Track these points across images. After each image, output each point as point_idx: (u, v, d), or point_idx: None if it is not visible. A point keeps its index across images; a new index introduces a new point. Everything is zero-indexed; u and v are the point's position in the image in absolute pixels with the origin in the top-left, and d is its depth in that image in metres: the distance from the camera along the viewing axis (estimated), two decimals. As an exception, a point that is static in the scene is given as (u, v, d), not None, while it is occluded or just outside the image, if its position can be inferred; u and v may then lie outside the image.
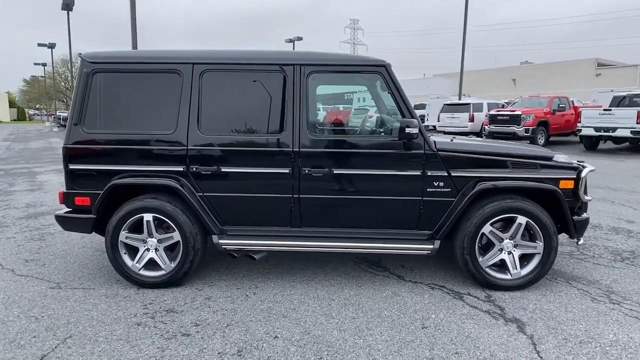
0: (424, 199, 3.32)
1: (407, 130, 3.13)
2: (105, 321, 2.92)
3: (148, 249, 3.44)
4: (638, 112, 11.97)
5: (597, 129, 12.89)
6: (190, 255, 3.37)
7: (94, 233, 3.52)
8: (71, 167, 3.40)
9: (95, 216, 3.41)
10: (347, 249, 3.38)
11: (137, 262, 3.43)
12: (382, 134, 3.57)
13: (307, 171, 3.31)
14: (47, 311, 3.07)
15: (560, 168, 3.36)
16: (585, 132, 13.32)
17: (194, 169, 3.35)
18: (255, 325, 2.86)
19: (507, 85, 39.60)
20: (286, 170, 3.32)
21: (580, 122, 13.53)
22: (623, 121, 12.22)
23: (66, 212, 3.50)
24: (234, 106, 3.38)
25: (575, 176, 3.33)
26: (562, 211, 3.27)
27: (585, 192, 3.43)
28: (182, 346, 2.61)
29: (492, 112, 16.03)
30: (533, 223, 3.25)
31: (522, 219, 3.25)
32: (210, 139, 3.33)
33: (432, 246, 3.31)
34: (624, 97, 13.83)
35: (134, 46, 10.26)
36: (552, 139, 16.05)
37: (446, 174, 3.29)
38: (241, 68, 3.32)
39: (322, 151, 3.31)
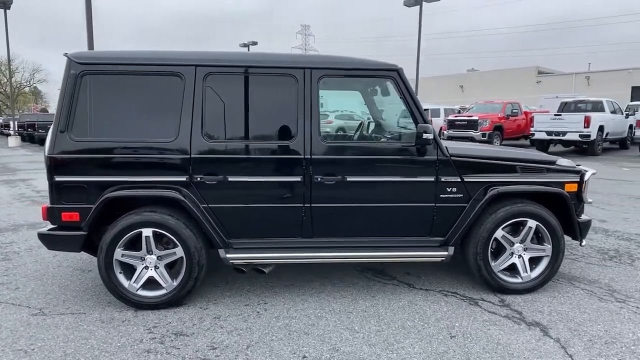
0: (437, 205, 3.29)
1: (425, 136, 3.09)
2: (108, 350, 2.63)
3: (146, 267, 3.15)
4: (585, 117, 12.81)
5: (548, 133, 13.65)
6: (194, 272, 3.13)
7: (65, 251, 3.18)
8: (57, 179, 3.06)
9: (86, 233, 3.09)
10: (361, 258, 3.28)
11: (134, 282, 3.14)
12: (390, 139, 3.51)
13: (319, 179, 3.17)
14: (37, 342, 2.71)
15: (564, 172, 3.46)
16: (538, 135, 14.07)
17: (198, 179, 3.12)
18: (278, 345, 2.68)
19: (455, 91, 41.27)
20: (297, 179, 3.17)
21: (532, 127, 14.29)
22: (572, 125, 13.03)
23: (50, 229, 3.14)
24: (241, 112, 3.19)
25: (579, 179, 3.43)
26: (569, 214, 3.35)
27: (585, 195, 3.54)
28: (205, 373, 2.39)
29: (450, 117, 16.59)
30: (542, 226, 3.31)
31: (532, 223, 3.30)
32: (216, 146, 3.12)
33: (446, 253, 3.28)
34: (570, 102, 14.78)
35: (90, 47, 9.64)
36: (505, 142, 16.84)
37: (459, 180, 3.28)
38: (248, 71, 3.14)
39: (335, 158, 3.19)
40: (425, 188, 3.26)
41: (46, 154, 3.07)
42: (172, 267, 3.21)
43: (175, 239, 3.09)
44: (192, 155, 3.10)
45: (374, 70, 3.24)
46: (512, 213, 3.27)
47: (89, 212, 3.07)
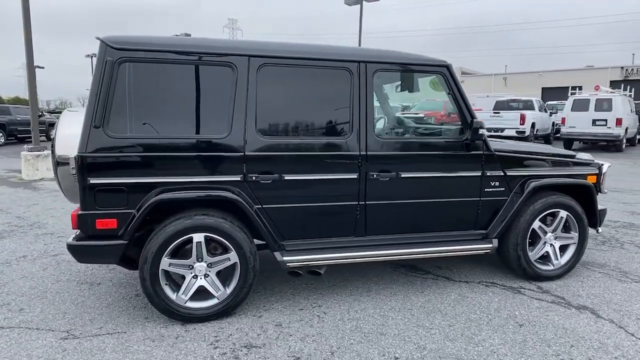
0: (481, 199, 3.38)
1: (481, 131, 3.16)
2: (181, 371, 2.36)
3: (195, 276, 2.88)
4: (521, 114, 13.97)
5: (488, 130, 14.69)
6: (250, 278, 2.91)
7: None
8: (92, 181, 2.67)
9: (126, 242, 2.74)
10: (414, 255, 3.27)
11: (182, 294, 2.85)
12: (440, 135, 3.49)
13: (374, 176, 3.11)
14: (90, 371, 2.36)
15: (585, 165, 3.73)
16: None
17: (253, 178, 2.90)
18: (361, 348, 2.59)
19: (388, 91, 42.71)
20: (353, 176, 3.07)
21: (473, 124, 15.25)
22: (509, 122, 14.15)
23: (79, 240, 2.74)
24: (295, 106, 3.01)
25: (598, 171, 3.72)
26: (592, 203, 3.62)
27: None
28: (306, 386, 2.24)
29: (398, 114, 17.23)
30: (572, 216, 3.54)
31: (563, 213, 3.52)
32: (271, 143, 2.92)
33: (491, 245, 3.39)
34: (504, 101, 16.03)
35: (28, 39, 8.50)
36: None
37: (502, 174, 3.40)
38: (303, 64, 2.97)
39: (390, 154, 3.14)
40: (472, 182, 3.33)
41: (77, 152, 2.66)
42: (218, 275, 2.96)
43: (229, 244, 2.85)
44: (247, 153, 2.87)
45: (426, 66, 3.23)
46: (549, 204, 3.46)
47: (129, 218, 2.73)
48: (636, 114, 15.48)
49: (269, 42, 2.98)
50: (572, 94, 14.47)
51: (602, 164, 3.75)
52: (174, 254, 2.83)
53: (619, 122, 13.14)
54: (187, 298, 2.86)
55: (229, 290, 2.91)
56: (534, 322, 2.89)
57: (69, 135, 2.97)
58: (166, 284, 2.82)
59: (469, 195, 3.34)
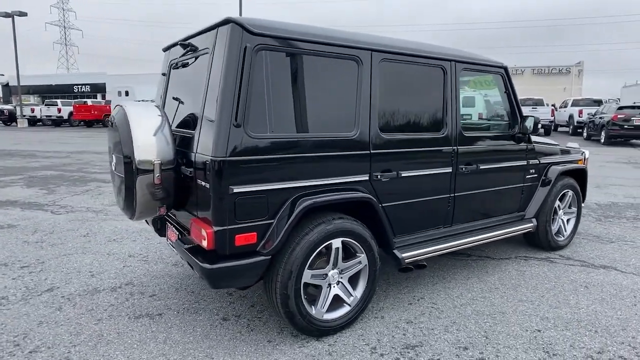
0: (524, 184, 3.86)
1: (538, 126, 3.60)
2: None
3: (329, 285, 2.68)
4: (552, 109, 16.23)
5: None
6: (376, 280, 2.84)
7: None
8: (235, 190, 2.27)
9: (270, 257, 2.40)
10: (487, 239, 3.55)
11: (321, 306, 2.63)
12: (507, 129, 3.77)
13: (463, 169, 3.30)
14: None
15: (576, 152, 4.52)
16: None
17: (377, 177, 2.82)
18: (502, 327, 2.78)
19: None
20: (448, 170, 3.22)
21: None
22: (543, 116, 16.43)
23: (214, 261, 2.30)
24: (405, 102, 3.00)
25: (583, 157, 4.55)
26: (585, 183, 4.44)
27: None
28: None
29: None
30: (574, 194, 4.29)
31: (570, 192, 4.24)
32: (390, 140, 2.87)
33: (532, 224, 3.90)
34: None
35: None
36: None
37: (537, 162, 3.93)
38: (413, 60, 2.98)
39: (473, 148, 3.37)
40: (521, 171, 3.79)
41: (213, 155, 2.23)
42: (349, 281, 2.81)
43: (361, 247, 2.73)
44: (372, 151, 2.78)
45: (492, 67, 3.53)
46: (564, 186, 4.13)
47: (269, 230, 2.40)
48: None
49: (383, 37, 2.90)
50: None
51: (585, 151, 4.62)
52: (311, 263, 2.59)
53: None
54: (324, 310, 2.65)
55: (358, 296, 2.78)
56: (591, 284, 3.47)
57: (152, 136, 2.46)
58: (305, 298, 2.57)
59: (518, 182, 3.79)
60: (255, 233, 2.38)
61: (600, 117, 16.04)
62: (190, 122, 2.65)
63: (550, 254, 4.17)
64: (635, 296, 3.24)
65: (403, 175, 2.95)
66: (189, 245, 2.49)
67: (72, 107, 27.90)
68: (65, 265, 3.85)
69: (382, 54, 2.82)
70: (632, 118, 14.65)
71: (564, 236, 4.29)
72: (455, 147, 3.24)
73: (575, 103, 19.88)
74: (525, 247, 4.33)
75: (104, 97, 39.72)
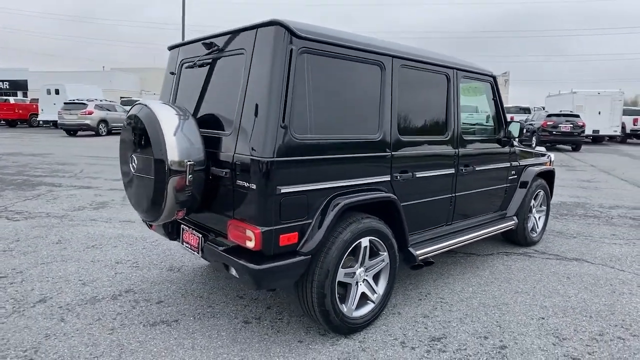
0: (507, 185, 4.18)
1: (524, 131, 3.90)
2: (424, 375, 2.33)
3: (357, 283, 2.75)
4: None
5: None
6: (395, 278, 2.95)
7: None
8: (283, 190, 2.27)
9: (311, 257, 2.43)
10: (482, 236, 3.79)
11: (351, 304, 2.69)
12: (494, 134, 4.00)
13: (463, 170, 3.52)
14: None
15: (544, 155, 4.94)
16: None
17: (396, 178, 2.93)
18: (511, 317, 3.00)
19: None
20: (452, 171, 3.41)
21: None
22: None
23: (258, 262, 2.28)
24: (418, 106, 3.14)
25: (549, 160, 4.99)
26: (553, 183, 4.87)
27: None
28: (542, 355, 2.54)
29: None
30: (545, 194, 4.70)
31: (542, 192, 4.64)
32: (407, 142, 3.01)
33: (514, 222, 4.23)
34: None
35: None
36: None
37: (518, 164, 4.26)
38: (424, 67, 3.13)
39: (470, 150, 3.59)
40: (506, 171, 4.09)
41: (261, 156, 2.22)
42: (374, 278, 2.89)
43: (384, 245, 2.83)
44: (392, 153, 2.89)
45: (484, 75, 3.78)
46: (538, 186, 4.51)
47: (308, 230, 2.43)
48: None
49: (400, 44, 3.03)
50: None
51: (550, 154, 5.07)
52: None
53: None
54: (354, 308, 2.71)
55: (381, 293, 2.87)
56: (572, 275, 3.83)
57: (184, 136, 2.41)
58: (338, 296, 2.61)
59: (502, 182, 4.09)
60: (297, 233, 2.39)
61: (531, 124, 17.51)
62: (216, 122, 2.61)
63: (527, 249, 4.53)
64: (612, 284, 3.63)
65: (417, 176, 3.09)
66: (225, 247, 2.44)
67: (-9, 105, 25.40)
68: (48, 275, 3.56)
69: (401, 60, 2.94)
70: (559, 125, 16.16)
71: (536, 232, 4.68)
72: (457, 150, 3.45)
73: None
74: (502, 244, 4.67)
75: (25, 95, 36.45)
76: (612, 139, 21.04)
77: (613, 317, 3.05)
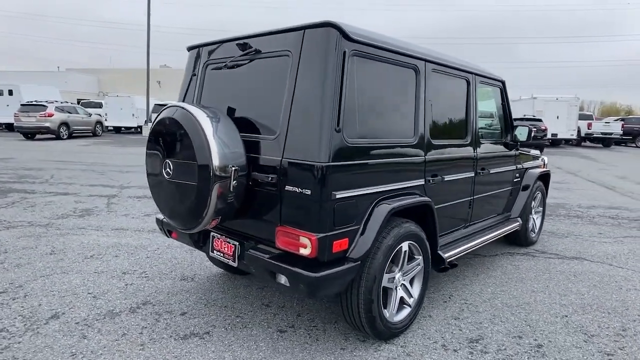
0: (512, 187, 4.30)
1: (531, 134, 4.03)
2: (475, 377, 2.34)
3: (396, 287, 2.73)
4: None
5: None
6: (428, 281, 2.96)
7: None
8: (338, 195, 2.22)
9: (360, 263, 2.39)
10: (496, 237, 3.87)
11: (393, 309, 2.67)
12: (502, 137, 4.09)
13: (480, 173, 3.59)
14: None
15: (538, 158, 5.13)
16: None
17: (429, 181, 2.95)
18: (535, 316, 3.08)
19: (151, 85, 40.05)
20: (472, 174, 3.48)
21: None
22: None
23: (313, 269, 2.22)
24: (444, 109, 3.17)
25: (543, 162, 5.19)
26: (548, 184, 5.06)
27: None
28: (575, 350, 2.61)
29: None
30: (542, 195, 4.88)
31: (540, 194, 4.82)
32: (437, 145, 3.03)
33: (519, 223, 4.36)
34: None
35: None
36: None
37: (522, 167, 4.40)
38: (450, 72, 3.17)
39: (486, 154, 3.67)
40: (512, 174, 4.21)
41: (316, 161, 2.17)
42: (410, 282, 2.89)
43: (420, 249, 2.83)
44: (426, 157, 2.90)
45: (496, 80, 3.88)
46: (538, 188, 4.68)
47: (356, 235, 2.40)
48: None
49: (430, 49, 3.05)
50: None
51: (544, 157, 5.27)
52: (373, 269, 2.61)
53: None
54: (395, 312, 2.69)
55: (416, 297, 2.87)
56: (578, 273, 3.99)
57: (228, 141, 2.33)
58: (380, 303, 2.58)
59: (510, 185, 4.21)
60: (347, 239, 2.35)
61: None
62: (255, 125, 2.53)
63: (528, 249, 4.69)
64: (616, 281, 3.82)
65: (445, 179, 3.13)
66: (272, 255, 2.35)
67: None
68: (52, 288, 3.32)
69: (433, 64, 2.97)
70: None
71: (535, 233, 4.85)
72: (476, 153, 3.52)
73: None
74: (503, 244, 4.80)
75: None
76: (568, 142, 22.25)
77: (628, 312, 3.19)
